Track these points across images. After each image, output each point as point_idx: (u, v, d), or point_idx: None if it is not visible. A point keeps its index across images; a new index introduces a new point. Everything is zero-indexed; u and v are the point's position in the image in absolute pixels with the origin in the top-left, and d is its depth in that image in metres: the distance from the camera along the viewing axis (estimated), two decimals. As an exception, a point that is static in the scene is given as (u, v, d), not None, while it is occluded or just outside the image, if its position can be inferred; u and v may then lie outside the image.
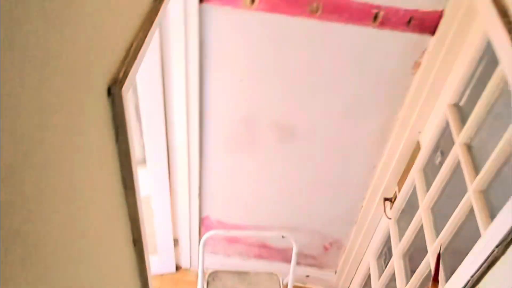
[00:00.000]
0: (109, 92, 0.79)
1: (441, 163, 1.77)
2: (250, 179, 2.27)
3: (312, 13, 1.66)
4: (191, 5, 1.66)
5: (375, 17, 1.65)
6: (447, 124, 1.77)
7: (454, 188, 1.66)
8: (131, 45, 0.87)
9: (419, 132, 1.93)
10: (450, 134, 1.74)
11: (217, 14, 1.70)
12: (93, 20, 0.73)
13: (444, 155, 1.76)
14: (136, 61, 0.84)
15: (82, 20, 0.68)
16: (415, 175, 1.94)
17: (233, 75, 1.87)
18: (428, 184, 1.86)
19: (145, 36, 0.88)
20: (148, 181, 2.21)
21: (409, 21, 1.65)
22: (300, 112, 1.96)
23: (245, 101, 1.95)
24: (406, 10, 1.62)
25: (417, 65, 1.77)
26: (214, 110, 2.00)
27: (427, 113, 1.86)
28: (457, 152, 1.58)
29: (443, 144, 1.79)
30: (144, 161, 2.14)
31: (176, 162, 2.17)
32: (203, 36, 1.75)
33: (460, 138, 1.57)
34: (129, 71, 0.81)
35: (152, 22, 0.93)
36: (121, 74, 0.81)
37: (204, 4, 1.68)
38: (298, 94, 1.89)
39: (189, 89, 1.88)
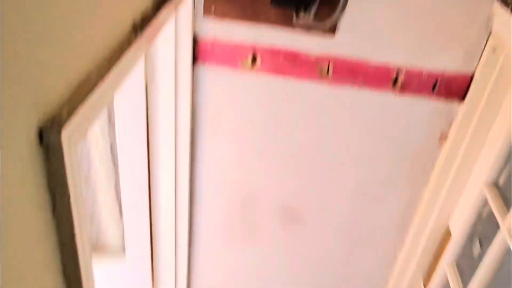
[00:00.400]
0: (41, 137, 0.52)
1: (481, 256, 1.45)
2: (249, 275, 1.92)
3: (322, 75, 1.45)
4: (183, 65, 1.44)
5: (395, 80, 1.43)
6: (484, 206, 1.48)
7: (503, 285, 1.34)
8: (88, 76, 0.61)
9: (448, 216, 1.64)
10: (489, 218, 1.45)
11: (213, 76, 1.48)
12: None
13: (484, 244, 1.45)
14: (92, 98, 0.58)
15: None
16: (446, 270, 1.61)
17: (230, 147, 1.61)
18: (465, 281, 1.53)
19: (110, 68, 0.63)
20: (126, 277, 1.86)
21: (434, 86, 1.43)
22: (308, 191, 1.68)
23: (244, 179, 1.68)
24: (430, 73, 1.40)
25: (443, 136, 1.52)
26: (207, 190, 1.72)
27: (457, 193, 1.58)
28: (504, 239, 1.28)
29: (480, 230, 1.49)
30: (123, 250, 1.81)
31: (160, 254, 1.84)
32: (196, 101, 1.52)
33: (507, 222, 1.28)
34: (75, 109, 0.54)
35: (122, 54, 0.68)
36: (63, 112, 0.54)
37: (199, 65, 1.47)
38: (306, 170, 1.63)
39: (178, 164, 1.62)
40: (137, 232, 1.75)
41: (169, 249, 1.84)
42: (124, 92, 1.39)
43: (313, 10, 1.26)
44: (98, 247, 1.81)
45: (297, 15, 1.32)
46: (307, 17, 1.27)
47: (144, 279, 1.88)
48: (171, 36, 1.36)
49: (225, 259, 1.87)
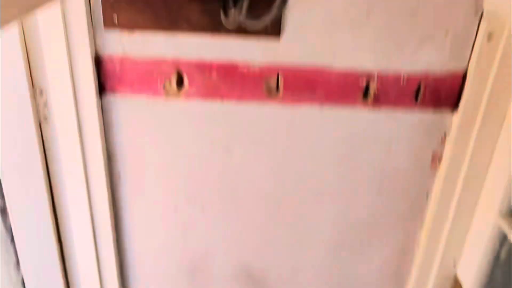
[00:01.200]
0: None
1: (509, 311, 1.08)
2: None
3: (269, 94, 1.10)
4: (87, 97, 1.07)
5: (366, 90, 1.09)
6: (502, 244, 1.13)
7: None
8: None
9: (455, 262, 1.27)
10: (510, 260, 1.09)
11: (128, 108, 1.12)
12: None
13: (511, 295, 1.08)
14: None
15: None
16: (463, 333, 1.22)
17: (163, 201, 1.22)
18: None
19: None
20: None
21: (416, 93, 1.10)
22: (270, 247, 1.29)
23: (186, 241, 1.28)
24: (410, 76, 1.07)
25: (435, 158, 1.18)
26: (140, 260, 1.31)
27: (463, 230, 1.22)
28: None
29: (500, 277, 1.12)
30: None
31: None
32: (110, 145, 1.15)
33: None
34: None
35: None
36: None
37: (108, 95, 1.10)
38: (265, 219, 1.25)
39: (98, 234, 1.22)
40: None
41: None
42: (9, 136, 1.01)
43: (245, 3, 0.93)
44: None
45: (225, 13, 0.98)
46: (238, 13, 0.94)
47: None
48: (62, 56, 1.00)
49: None
